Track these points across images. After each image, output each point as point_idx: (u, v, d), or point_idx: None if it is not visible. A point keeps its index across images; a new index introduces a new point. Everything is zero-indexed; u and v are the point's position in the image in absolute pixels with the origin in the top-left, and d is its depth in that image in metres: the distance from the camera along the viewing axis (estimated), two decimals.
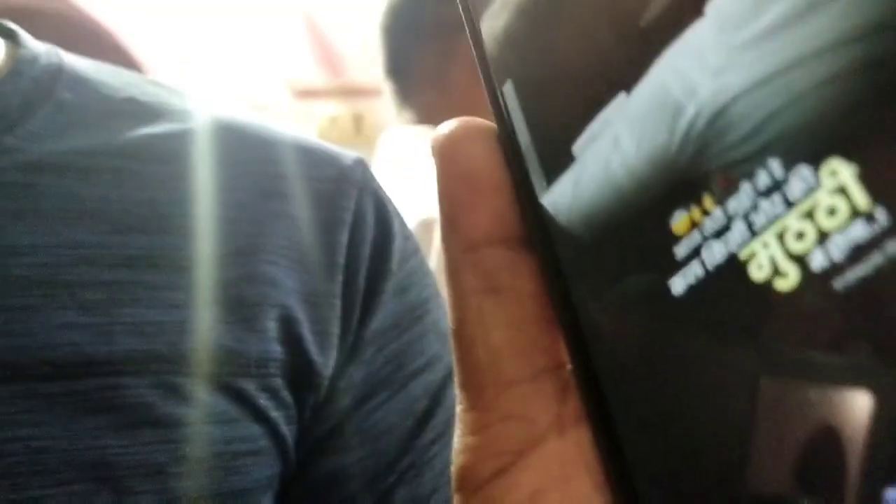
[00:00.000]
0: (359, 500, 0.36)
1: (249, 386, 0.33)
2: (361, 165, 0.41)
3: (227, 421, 0.32)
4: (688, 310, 0.14)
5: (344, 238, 0.38)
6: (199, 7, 1.81)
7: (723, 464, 0.13)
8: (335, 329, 0.37)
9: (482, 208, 0.16)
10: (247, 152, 0.39)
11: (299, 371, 0.35)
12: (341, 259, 0.38)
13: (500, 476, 0.15)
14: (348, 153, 0.42)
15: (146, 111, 0.38)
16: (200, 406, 0.32)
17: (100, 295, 0.32)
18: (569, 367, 0.16)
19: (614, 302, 0.15)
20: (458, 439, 0.16)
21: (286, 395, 0.35)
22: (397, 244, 0.40)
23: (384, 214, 0.41)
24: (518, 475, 0.15)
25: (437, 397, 0.39)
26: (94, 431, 0.30)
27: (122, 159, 0.35)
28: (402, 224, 0.42)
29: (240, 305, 0.34)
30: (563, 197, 0.16)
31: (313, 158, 0.40)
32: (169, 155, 0.37)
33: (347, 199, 0.39)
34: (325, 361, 0.36)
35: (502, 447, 0.15)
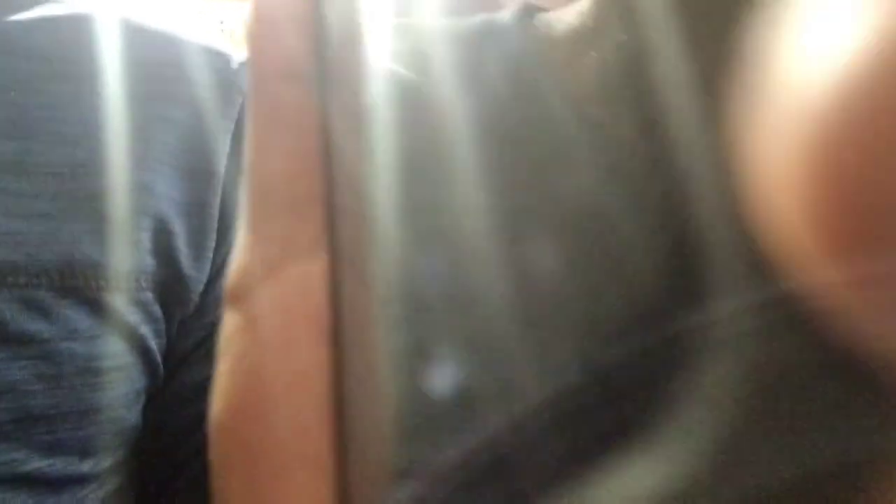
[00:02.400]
0: None
1: (118, 300, 0.33)
2: None
3: (90, 337, 0.32)
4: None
5: (225, 147, 0.37)
6: None
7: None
8: (210, 242, 0.36)
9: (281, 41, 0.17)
10: (126, 50, 0.36)
11: (170, 285, 0.35)
12: (220, 168, 0.37)
13: (255, 290, 0.17)
14: (237, 55, 0.40)
15: None
16: (61, 321, 0.31)
17: None
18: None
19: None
20: (232, 260, 0.17)
21: (155, 310, 0.34)
22: None
23: None
24: (268, 289, 0.16)
25: None
26: None
27: None
28: None
29: (110, 215, 0.33)
30: None
31: (199, 60, 0.38)
32: (38, 49, 0.34)
33: (231, 105, 0.37)
34: (198, 276, 0.36)
35: (260, 265, 0.17)
